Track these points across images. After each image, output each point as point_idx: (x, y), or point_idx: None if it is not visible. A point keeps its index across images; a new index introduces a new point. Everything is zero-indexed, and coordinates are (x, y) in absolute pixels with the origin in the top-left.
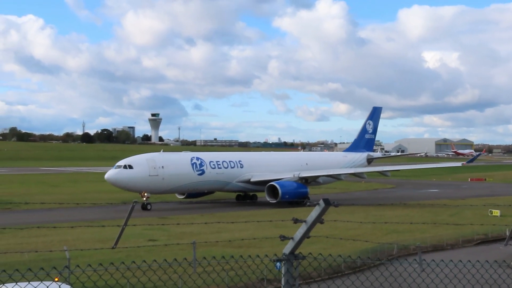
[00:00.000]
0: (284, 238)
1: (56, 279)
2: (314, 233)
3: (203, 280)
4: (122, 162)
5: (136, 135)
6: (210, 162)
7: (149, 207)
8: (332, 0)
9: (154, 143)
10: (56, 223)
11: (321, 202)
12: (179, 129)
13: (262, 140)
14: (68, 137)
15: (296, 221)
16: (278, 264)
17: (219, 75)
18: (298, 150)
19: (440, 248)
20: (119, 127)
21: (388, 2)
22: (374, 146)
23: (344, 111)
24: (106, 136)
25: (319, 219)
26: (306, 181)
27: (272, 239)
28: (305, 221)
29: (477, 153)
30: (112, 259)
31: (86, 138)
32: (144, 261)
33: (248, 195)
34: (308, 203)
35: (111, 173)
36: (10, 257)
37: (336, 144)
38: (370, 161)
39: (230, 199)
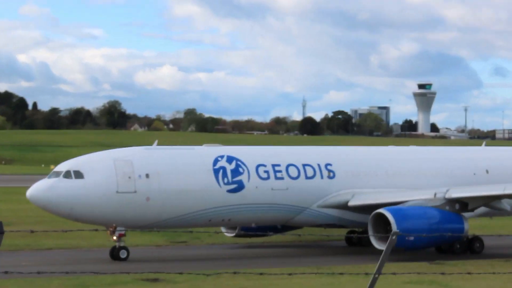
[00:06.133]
0: None
1: None
2: None
3: None
4: (63, 166)
5: None
6: (258, 166)
7: (122, 254)
8: None
9: None
10: None
11: None
12: None
13: None
14: None
15: None
16: None
17: None
18: None
19: None
20: None
21: None
22: None
23: None
24: None
25: None
26: (465, 207)
27: None
28: None
29: None
30: None
31: None
32: None
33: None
34: None
35: (37, 187)
36: None
37: None
38: None
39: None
